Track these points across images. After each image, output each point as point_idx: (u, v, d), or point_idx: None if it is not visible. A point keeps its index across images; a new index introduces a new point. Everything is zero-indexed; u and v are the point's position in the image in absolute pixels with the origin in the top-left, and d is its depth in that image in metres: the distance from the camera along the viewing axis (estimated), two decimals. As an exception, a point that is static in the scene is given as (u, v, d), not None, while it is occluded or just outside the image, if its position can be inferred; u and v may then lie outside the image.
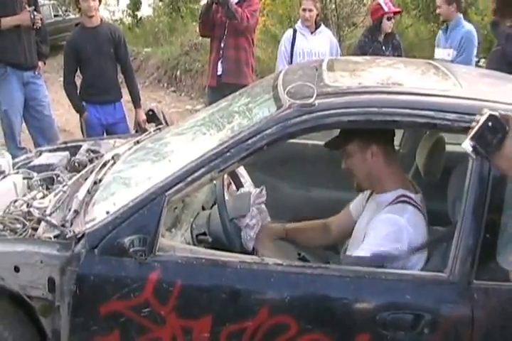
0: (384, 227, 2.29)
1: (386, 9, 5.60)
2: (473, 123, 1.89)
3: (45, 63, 5.44)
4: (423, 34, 9.35)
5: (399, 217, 2.29)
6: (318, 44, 5.66)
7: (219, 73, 5.32)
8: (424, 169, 2.67)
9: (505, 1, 4.10)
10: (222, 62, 5.31)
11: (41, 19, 5.07)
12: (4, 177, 3.02)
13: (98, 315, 2.19)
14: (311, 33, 5.70)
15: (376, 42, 5.64)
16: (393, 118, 2.20)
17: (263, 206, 2.65)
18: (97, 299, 2.19)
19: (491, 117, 1.86)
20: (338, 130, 2.54)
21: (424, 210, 2.41)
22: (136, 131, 4.64)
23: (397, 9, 5.79)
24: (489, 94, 2.32)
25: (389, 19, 5.62)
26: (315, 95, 2.19)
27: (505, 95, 2.35)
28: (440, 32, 5.69)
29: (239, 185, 2.82)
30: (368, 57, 3.67)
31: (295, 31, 5.73)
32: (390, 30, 5.66)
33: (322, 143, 3.44)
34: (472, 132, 1.87)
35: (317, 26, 5.74)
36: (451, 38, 5.38)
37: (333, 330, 2.13)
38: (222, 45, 5.30)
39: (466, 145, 1.88)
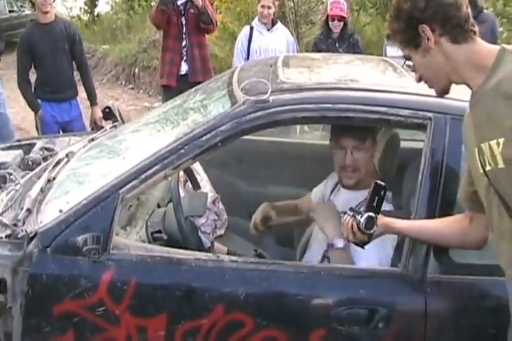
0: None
1: (329, 12, 5.67)
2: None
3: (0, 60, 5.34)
4: (381, 32, 9.43)
5: None
6: (275, 41, 5.68)
7: (182, 72, 5.28)
8: (379, 165, 2.70)
9: None
10: (186, 61, 5.27)
11: None
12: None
13: (51, 316, 2.15)
14: (268, 30, 5.71)
15: (330, 39, 5.69)
16: (347, 115, 2.21)
17: (220, 204, 2.65)
18: (50, 299, 2.15)
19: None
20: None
21: None
22: (92, 129, 4.59)
23: (343, 14, 5.72)
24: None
25: (339, 20, 5.63)
26: (269, 91, 2.19)
27: (461, 92, 2.38)
28: None
29: (195, 182, 2.81)
30: (324, 54, 3.70)
31: (252, 28, 5.74)
32: (337, 30, 5.66)
33: (279, 139, 3.49)
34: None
35: (274, 23, 5.76)
36: None
37: (288, 327, 2.13)
38: (183, 44, 5.26)
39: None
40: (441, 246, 2.10)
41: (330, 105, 2.21)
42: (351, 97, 2.26)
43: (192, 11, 5.25)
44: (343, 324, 2.10)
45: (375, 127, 2.51)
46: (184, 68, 5.30)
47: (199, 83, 4.68)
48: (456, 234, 1.99)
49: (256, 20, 5.80)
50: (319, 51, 5.41)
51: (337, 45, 5.67)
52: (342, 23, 5.65)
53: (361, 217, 2.00)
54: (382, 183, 2.00)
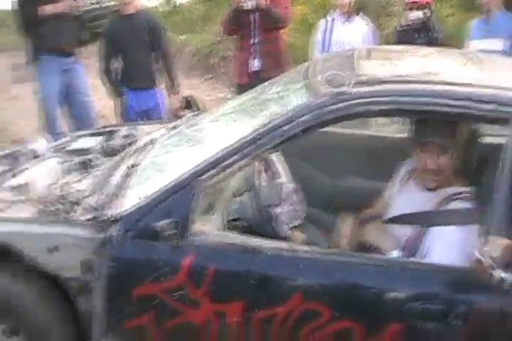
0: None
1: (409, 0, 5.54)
2: None
3: (84, 49, 5.51)
4: (462, 24, 9.20)
5: None
6: (354, 33, 5.61)
7: (254, 69, 5.27)
8: (459, 162, 2.64)
9: None
10: (257, 58, 5.26)
11: (80, 6, 5.13)
12: (42, 160, 3.08)
13: (131, 297, 2.23)
14: (347, 21, 5.66)
15: (411, 30, 5.57)
16: (427, 108, 2.18)
17: (298, 195, 2.65)
18: (130, 281, 2.24)
19: None
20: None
21: None
22: (173, 118, 4.67)
23: (423, 1, 5.59)
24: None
25: (417, 9, 5.51)
26: (350, 83, 2.19)
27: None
28: (476, 22, 5.53)
29: (273, 172, 2.83)
30: (404, 47, 3.64)
31: (330, 20, 5.70)
32: (418, 21, 5.50)
33: (357, 132, 3.47)
34: None
35: (353, 15, 5.70)
36: (498, 28, 5.22)
37: (363, 319, 2.13)
38: (252, 42, 5.25)
39: None
40: None
41: (410, 98, 2.19)
42: (432, 91, 2.21)
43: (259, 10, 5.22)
44: (418, 319, 2.09)
45: (460, 128, 2.43)
46: (256, 65, 5.29)
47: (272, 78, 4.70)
48: None
49: (335, 11, 5.76)
50: (399, 43, 5.31)
51: (417, 36, 5.55)
52: (423, 14, 5.53)
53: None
54: None
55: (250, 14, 5.16)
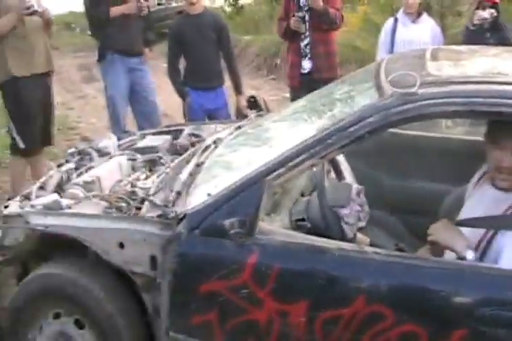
0: None
1: None
2: None
3: (150, 50, 5.60)
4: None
5: None
6: (420, 33, 5.53)
7: (305, 71, 5.24)
8: None
9: None
10: (309, 59, 5.22)
11: (148, 7, 5.22)
12: (110, 158, 3.16)
13: (197, 294, 2.26)
14: (413, 21, 5.59)
15: (480, 30, 5.45)
16: (499, 110, 2.13)
17: (363, 196, 2.64)
18: (196, 278, 2.27)
19: None
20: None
21: None
22: (237, 118, 4.71)
23: (495, 0, 5.46)
24: None
25: (484, 8, 5.39)
26: (418, 84, 2.16)
27: None
28: None
29: (339, 173, 2.82)
30: (472, 47, 3.57)
31: (396, 20, 5.64)
32: (486, 21, 5.39)
33: (423, 133, 3.42)
34: None
35: (419, 15, 5.63)
36: None
37: (429, 323, 2.09)
38: (305, 42, 5.21)
39: None
40: None
41: (480, 99, 2.14)
42: (503, 91, 2.16)
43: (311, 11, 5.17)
44: (488, 325, 2.03)
45: None
46: (307, 66, 5.26)
47: (324, 80, 4.66)
48: None
49: (401, 11, 5.70)
50: (467, 43, 5.21)
51: (486, 36, 5.43)
52: (492, 13, 5.41)
53: None
54: None
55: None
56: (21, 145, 4.62)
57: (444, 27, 8.34)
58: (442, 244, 2.24)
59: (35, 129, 4.67)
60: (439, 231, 2.26)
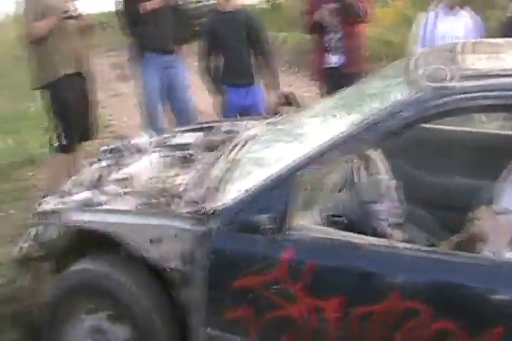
0: None
1: None
2: None
3: (185, 47, 5.62)
4: None
5: None
6: (455, 26, 5.42)
7: (331, 66, 5.19)
8: None
9: None
10: (335, 53, 5.16)
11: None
12: (144, 155, 3.18)
13: (231, 289, 2.27)
14: (451, 14, 5.50)
15: None
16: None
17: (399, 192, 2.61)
18: (230, 274, 2.27)
19: None
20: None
21: None
22: (270, 114, 4.69)
23: None
24: None
25: None
26: (453, 78, 2.13)
27: None
28: None
29: (373, 168, 2.79)
30: (508, 39, 3.51)
31: (432, 13, 5.56)
32: None
33: (458, 128, 3.37)
34: None
35: (455, 8, 5.53)
36: None
37: (464, 320, 2.06)
38: (331, 36, 5.16)
39: None
40: None
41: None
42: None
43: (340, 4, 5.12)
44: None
45: None
46: (333, 60, 5.21)
47: (352, 74, 4.61)
48: None
49: (436, 4, 5.61)
50: (507, 36, 5.11)
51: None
52: None
53: None
54: None
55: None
56: (65, 141, 4.69)
57: (485, 19, 8.20)
58: (485, 235, 2.21)
59: (76, 126, 4.74)
60: (486, 221, 2.23)
